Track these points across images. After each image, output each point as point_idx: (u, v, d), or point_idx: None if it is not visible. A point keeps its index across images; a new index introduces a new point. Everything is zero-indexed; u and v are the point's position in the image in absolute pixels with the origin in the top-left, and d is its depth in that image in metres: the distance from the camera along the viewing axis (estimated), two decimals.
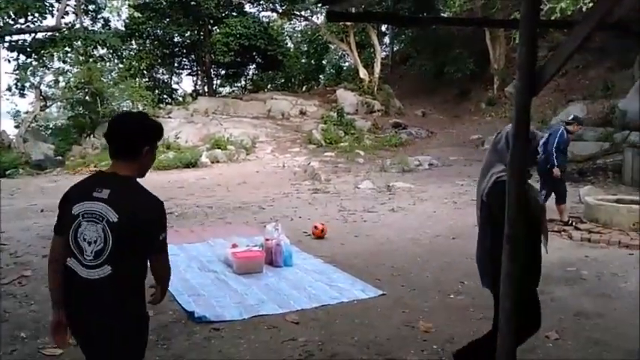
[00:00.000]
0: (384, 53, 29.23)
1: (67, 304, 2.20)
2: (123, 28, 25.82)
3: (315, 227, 7.27)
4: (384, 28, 28.78)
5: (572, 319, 4.31)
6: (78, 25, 23.66)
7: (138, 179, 2.24)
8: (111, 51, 24.77)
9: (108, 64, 25.39)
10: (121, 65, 25.95)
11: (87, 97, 21.04)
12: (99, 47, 23.39)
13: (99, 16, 25.70)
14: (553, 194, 7.73)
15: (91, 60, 22.46)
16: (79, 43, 22.18)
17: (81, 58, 22.16)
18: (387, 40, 30.98)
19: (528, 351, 3.69)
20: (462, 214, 8.74)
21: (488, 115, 20.75)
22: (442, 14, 23.94)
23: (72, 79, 21.60)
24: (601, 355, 3.69)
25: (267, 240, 5.98)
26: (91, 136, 19.54)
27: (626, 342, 3.86)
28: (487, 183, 2.99)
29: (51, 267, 2.24)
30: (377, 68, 24.09)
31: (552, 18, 12.46)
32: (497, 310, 3.00)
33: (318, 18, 26.95)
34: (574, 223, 7.49)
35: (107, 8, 26.49)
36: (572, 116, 8.67)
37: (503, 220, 2.85)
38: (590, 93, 17.85)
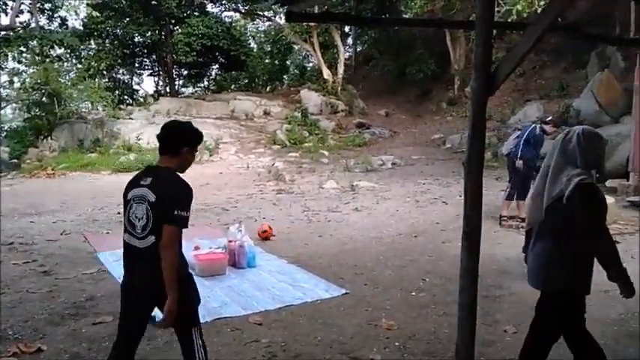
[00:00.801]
0: (348, 54, 29.40)
1: (125, 270, 2.88)
2: (81, 28, 25.16)
3: (264, 230, 7.21)
4: (347, 28, 28.94)
5: (529, 313, 4.37)
6: (33, 25, 22.97)
7: (178, 173, 2.83)
8: (68, 51, 24.12)
9: (65, 64, 24.68)
10: (79, 65, 25.27)
11: (44, 99, 20.39)
12: (56, 47, 22.74)
13: (55, 15, 25.01)
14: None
15: (47, 60, 21.79)
16: (35, 42, 21.51)
17: (37, 58, 21.48)
18: (350, 40, 31.16)
19: (486, 345, 3.79)
20: (424, 212, 8.89)
21: (449, 114, 21.11)
22: (404, 15, 24.26)
23: (27, 80, 20.91)
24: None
25: (230, 242, 5.93)
26: (49, 138, 18.96)
27: None
28: (566, 187, 2.91)
29: None
30: (340, 69, 24.21)
31: (509, 20, 12.77)
32: (546, 315, 3.11)
33: (281, 18, 26.87)
34: None
35: (64, 7, 25.75)
36: (549, 117, 8.94)
37: (594, 222, 2.88)
38: (546, 93, 18.41)
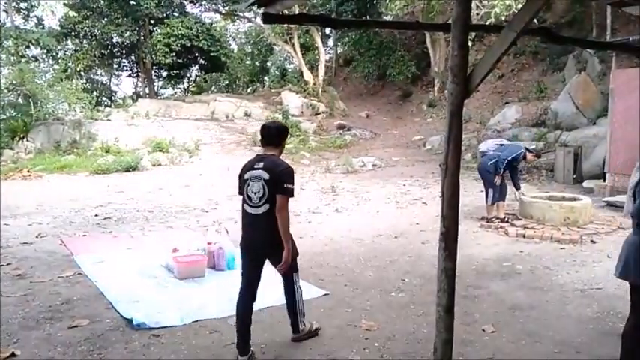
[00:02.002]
0: (329, 55, 29.45)
1: (244, 231, 3.85)
2: (58, 28, 24.81)
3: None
4: (327, 30, 28.99)
5: (507, 312, 4.47)
6: (9, 24, 22.56)
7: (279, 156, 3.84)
8: (45, 51, 23.76)
9: (42, 64, 24.29)
10: (56, 66, 24.88)
11: (19, 100, 20.04)
12: (32, 47, 22.40)
13: (31, 15, 24.63)
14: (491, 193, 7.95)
15: (23, 60, 21.42)
16: (10, 42, 21.13)
17: (12, 58, 21.11)
18: (331, 42, 31.22)
19: (465, 344, 3.81)
20: (404, 213, 8.93)
21: (429, 116, 21.27)
22: (384, 17, 24.38)
23: (2, 81, 20.51)
24: (534, 345, 3.84)
25: (209, 244, 5.88)
26: (25, 139, 18.61)
27: (556, 332, 4.04)
28: None
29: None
30: (321, 70, 24.23)
31: (488, 22, 12.92)
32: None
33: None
34: (510, 220, 7.78)
35: (40, 7, 25.34)
36: (534, 146, 9.16)
37: None
38: (524, 95, 18.64)
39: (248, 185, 3.74)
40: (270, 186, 3.62)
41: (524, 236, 7.05)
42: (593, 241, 6.72)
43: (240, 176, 3.85)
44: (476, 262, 5.98)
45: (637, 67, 9.44)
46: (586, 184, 10.80)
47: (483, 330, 4.08)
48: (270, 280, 5.30)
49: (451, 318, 2.81)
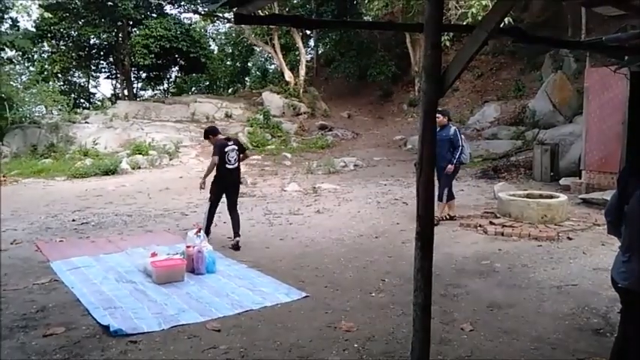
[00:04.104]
0: (309, 56, 29.45)
1: (222, 178, 6.95)
2: (33, 29, 24.40)
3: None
4: (308, 31, 28.97)
5: (485, 311, 4.51)
6: None
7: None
8: (20, 53, 23.34)
9: (17, 67, 23.89)
10: (32, 68, 24.51)
11: None
12: (6, 49, 21.96)
13: (6, 16, 24.14)
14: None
15: None
16: None
17: None
18: (311, 42, 31.22)
19: (444, 343, 3.83)
20: (385, 213, 8.96)
21: (410, 116, 21.40)
22: (364, 18, 24.46)
23: None
24: (511, 343, 3.88)
25: (188, 247, 5.83)
26: (0, 144, 18.30)
27: (533, 329, 4.09)
28: None
29: (210, 169, 7.06)
30: (302, 71, 24.22)
31: (465, 22, 13.03)
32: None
33: None
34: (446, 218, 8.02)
35: (15, 8, 24.88)
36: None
37: None
38: (503, 94, 18.87)
39: (227, 154, 6.95)
40: (239, 152, 7.13)
41: (502, 234, 7.12)
42: (569, 238, 6.82)
43: (221, 149, 6.93)
44: (455, 260, 6.01)
45: (610, 66, 9.60)
46: (563, 181, 10.96)
47: (462, 329, 4.11)
48: (249, 283, 5.30)
49: (428, 317, 2.82)
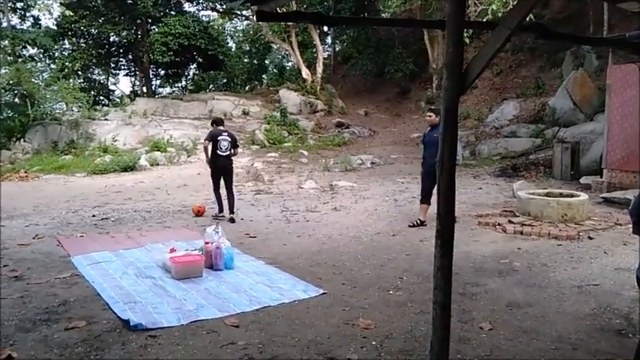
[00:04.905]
0: (327, 53, 29.42)
1: (215, 162, 8.43)
2: (54, 27, 24.76)
3: (198, 208, 9.01)
4: (325, 28, 28.95)
5: (504, 310, 4.47)
6: (5, 24, 22.52)
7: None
8: (42, 51, 23.73)
9: (39, 64, 24.25)
10: (53, 66, 24.87)
11: (16, 99, 20.03)
12: (28, 47, 22.35)
13: (28, 15, 24.59)
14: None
15: (19, 60, 21.40)
16: (7, 42, 21.12)
17: (9, 58, 21.09)
18: (329, 40, 31.19)
19: (462, 342, 3.81)
20: (402, 211, 8.92)
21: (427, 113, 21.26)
22: (382, 15, 24.36)
23: None
24: (530, 342, 3.84)
25: (206, 243, 5.86)
26: (21, 140, 18.59)
27: (553, 329, 4.04)
28: None
29: (205, 151, 8.53)
30: (319, 68, 24.21)
31: (485, 19, 12.91)
32: None
33: None
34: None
35: (37, 6, 25.30)
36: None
37: None
38: (522, 91, 18.65)
39: (219, 142, 8.34)
40: (231, 142, 8.47)
41: (521, 233, 7.04)
42: (590, 238, 6.72)
43: (214, 137, 8.40)
44: (473, 259, 5.97)
45: (633, 63, 9.43)
46: (583, 180, 10.81)
47: (481, 328, 4.08)
48: (267, 279, 5.33)
49: (447, 316, 2.80)
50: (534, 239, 6.81)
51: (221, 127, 8.66)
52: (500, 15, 13.36)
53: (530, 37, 17.10)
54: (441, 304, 2.81)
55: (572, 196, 7.91)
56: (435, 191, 7.28)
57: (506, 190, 10.64)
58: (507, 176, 12.32)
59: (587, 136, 12.34)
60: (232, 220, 8.21)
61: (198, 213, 8.87)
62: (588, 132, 12.48)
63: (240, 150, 10.91)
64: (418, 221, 7.71)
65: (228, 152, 8.41)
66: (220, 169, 8.49)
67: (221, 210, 8.58)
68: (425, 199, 7.76)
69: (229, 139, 8.43)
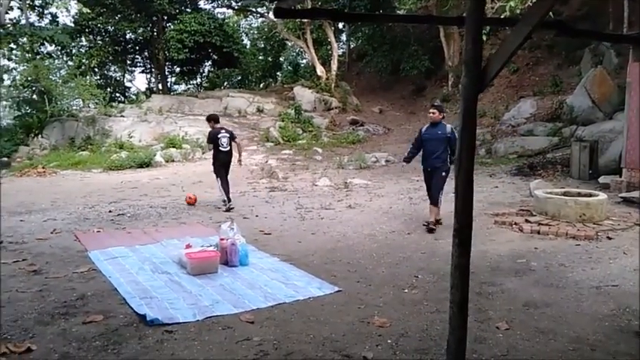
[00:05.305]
0: (341, 50, 29.38)
1: (218, 158, 9.26)
2: (72, 24, 25.02)
3: (189, 197, 9.79)
4: (340, 25, 28.89)
5: (521, 310, 4.42)
6: (23, 21, 22.82)
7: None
8: (59, 48, 23.99)
9: (56, 61, 24.58)
10: (70, 63, 25.17)
11: (34, 96, 20.30)
12: (46, 44, 22.63)
13: (46, 12, 24.87)
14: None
15: (37, 57, 21.66)
16: (25, 39, 21.37)
17: (27, 55, 21.36)
18: (344, 37, 31.12)
19: (479, 342, 3.78)
20: (417, 209, 8.88)
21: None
22: (397, 11, 24.23)
23: (17, 77, 20.85)
24: (548, 343, 3.80)
25: (222, 240, 5.89)
26: (39, 136, 18.85)
27: (571, 330, 3.99)
28: None
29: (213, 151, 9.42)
30: (334, 65, 24.17)
31: (502, 16, 12.77)
32: None
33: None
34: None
35: (54, 3, 25.57)
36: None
37: None
38: (540, 89, 18.43)
39: (220, 140, 9.11)
40: (230, 138, 9.22)
41: (538, 232, 6.97)
42: (609, 238, 6.63)
43: (215, 136, 9.15)
44: (490, 258, 5.92)
45: None
46: (602, 179, 10.66)
47: (497, 327, 4.04)
48: (282, 276, 5.34)
49: (464, 315, 2.77)
50: (552, 239, 6.73)
51: (218, 125, 9.46)
52: (518, 12, 13.21)
53: (549, 34, 16.90)
54: (458, 303, 2.78)
55: (590, 195, 7.80)
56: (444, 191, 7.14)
57: (522, 189, 10.54)
58: (524, 175, 12.20)
59: (606, 134, 12.16)
60: (229, 204, 9.27)
61: (190, 201, 9.67)
62: (607, 130, 12.30)
63: (244, 142, 12.06)
64: (429, 223, 7.37)
65: (229, 147, 9.22)
66: (224, 164, 9.28)
67: (229, 199, 9.24)
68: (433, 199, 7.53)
69: (228, 135, 9.28)
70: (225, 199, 9.24)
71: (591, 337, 3.87)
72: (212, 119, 9.55)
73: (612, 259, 5.79)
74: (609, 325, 4.08)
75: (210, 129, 9.47)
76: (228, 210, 8.98)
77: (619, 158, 10.52)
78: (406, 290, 4.95)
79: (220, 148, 9.15)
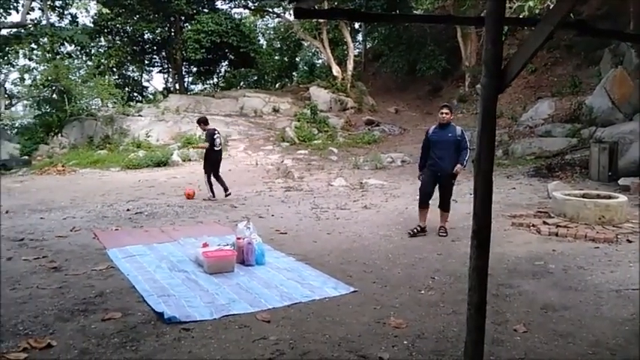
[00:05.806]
0: (357, 50, 29.33)
1: (211, 156, 10.20)
2: (91, 25, 25.33)
3: (188, 192, 10.45)
4: (357, 25, 28.85)
5: (539, 312, 4.38)
6: (44, 22, 23.15)
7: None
8: (79, 48, 24.31)
9: (76, 61, 24.91)
10: (89, 62, 25.47)
11: (54, 95, 20.59)
12: (66, 44, 22.94)
13: (66, 12, 25.21)
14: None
15: (58, 57, 21.99)
16: (46, 39, 21.71)
17: (47, 55, 21.69)
18: (360, 37, 31.07)
19: (496, 344, 3.75)
20: (433, 210, 8.82)
21: (459, 111, 20.95)
22: (414, 11, 24.13)
23: (38, 77, 21.17)
24: (566, 346, 3.76)
25: (238, 239, 5.92)
26: (59, 135, 19.12)
27: (590, 334, 3.94)
28: None
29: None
30: (350, 65, 24.14)
31: (521, 16, 12.65)
32: None
33: (290, 15, 26.86)
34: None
35: (74, 4, 25.94)
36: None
37: None
38: (558, 90, 18.22)
39: (215, 140, 9.99)
40: (220, 138, 10.39)
41: (557, 235, 6.90)
42: (629, 241, 6.53)
43: (211, 137, 9.98)
44: (507, 260, 5.87)
45: None
46: (622, 181, 10.50)
47: (515, 330, 4.01)
48: (298, 276, 5.35)
49: (482, 317, 2.76)
50: (570, 241, 6.66)
51: (210, 127, 10.35)
52: (537, 12, 13.08)
53: (568, 34, 16.68)
54: (476, 305, 2.77)
55: (609, 197, 7.69)
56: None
57: (540, 190, 10.43)
58: (542, 176, 12.08)
59: (625, 136, 11.97)
60: (228, 194, 10.26)
61: (189, 197, 10.34)
62: (627, 132, 12.11)
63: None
64: (418, 228, 7.18)
65: (220, 147, 10.39)
66: (218, 161, 10.30)
67: (227, 189, 10.28)
68: (424, 202, 7.27)
69: (220, 136, 10.54)
70: (211, 195, 10.14)
71: (611, 342, 3.82)
72: (202, 121, 10.43)
73: (632, 263, 5.71)
74: (629, 330, 4.03)
75: (202, 130, 10.65)
76: (227, 197, 10.19)
77: (639, 160, 10.36)
78: (422, 291, 4.93)
79: (214, 147, 10.12)
